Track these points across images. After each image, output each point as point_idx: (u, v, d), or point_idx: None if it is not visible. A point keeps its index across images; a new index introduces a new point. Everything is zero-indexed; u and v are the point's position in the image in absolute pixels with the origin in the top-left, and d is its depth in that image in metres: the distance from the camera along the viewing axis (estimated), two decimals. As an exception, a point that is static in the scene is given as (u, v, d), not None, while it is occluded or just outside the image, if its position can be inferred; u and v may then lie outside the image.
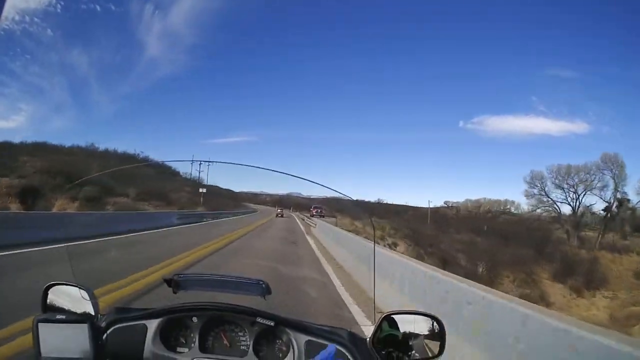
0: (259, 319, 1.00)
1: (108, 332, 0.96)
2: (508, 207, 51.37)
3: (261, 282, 1.10)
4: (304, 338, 0.99)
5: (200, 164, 41.89)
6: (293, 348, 0.98)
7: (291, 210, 54.48)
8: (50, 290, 1.02)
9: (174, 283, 1.09)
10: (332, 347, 0.87)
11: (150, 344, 0.97)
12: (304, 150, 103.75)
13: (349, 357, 0.95)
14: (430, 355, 0.96)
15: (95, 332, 0.84)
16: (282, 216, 38.37)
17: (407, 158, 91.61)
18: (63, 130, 67.75)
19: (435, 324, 0.99)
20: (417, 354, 0.96)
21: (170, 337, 1.02)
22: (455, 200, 59.03)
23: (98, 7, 67.68)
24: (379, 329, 0.96)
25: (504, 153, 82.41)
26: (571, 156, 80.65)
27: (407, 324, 0.98)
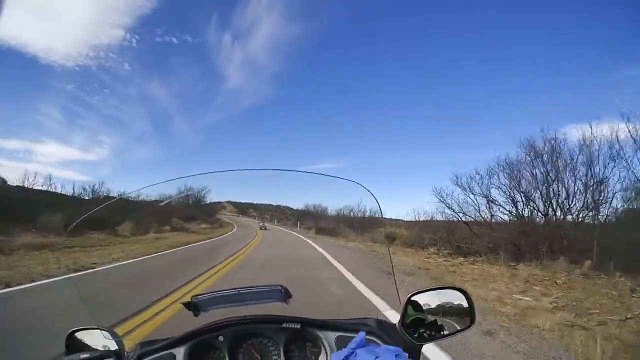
0: (284, 324, 0.98)
1: None
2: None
3: (280, 287, 1.07)
4: (333, 335, 0.98)
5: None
6: (324, 347, 0.97)
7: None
8: (73, 336, 1.00)
9: (192, 306, 1.07)
10: (362, 334, 0.85)
11: None
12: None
13: (380, 342, 0.93)
14: (461, 327, 0.95)
15: None
16: (265, 229, 37.55)
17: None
18: (146, 161, 67.76)
19: (460, 295, 0.98)
20: (447, 330, 0.94)
21: None
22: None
23: (174, 40, 67.37)
24: (405, 312, 0.94)
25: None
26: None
27: (433, 300, 0.97)
